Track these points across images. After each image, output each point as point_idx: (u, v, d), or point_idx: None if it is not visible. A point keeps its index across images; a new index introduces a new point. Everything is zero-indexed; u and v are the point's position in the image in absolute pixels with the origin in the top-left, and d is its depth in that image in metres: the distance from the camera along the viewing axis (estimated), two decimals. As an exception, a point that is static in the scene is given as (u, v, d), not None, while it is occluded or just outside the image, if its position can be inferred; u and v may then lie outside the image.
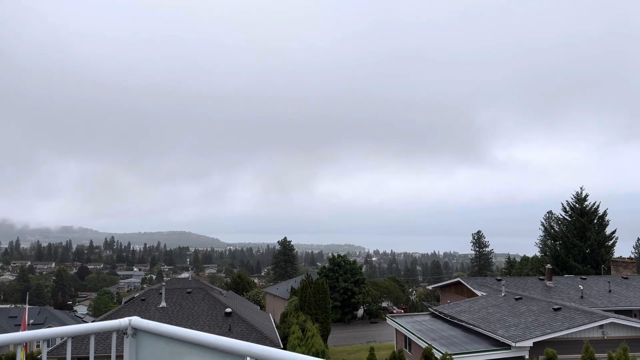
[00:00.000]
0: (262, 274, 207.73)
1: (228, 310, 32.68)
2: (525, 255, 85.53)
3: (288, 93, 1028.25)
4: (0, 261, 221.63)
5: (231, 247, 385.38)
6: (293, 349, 25.19)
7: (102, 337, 3.63)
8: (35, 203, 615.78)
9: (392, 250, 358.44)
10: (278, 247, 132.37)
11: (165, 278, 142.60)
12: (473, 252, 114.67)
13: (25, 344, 3.29)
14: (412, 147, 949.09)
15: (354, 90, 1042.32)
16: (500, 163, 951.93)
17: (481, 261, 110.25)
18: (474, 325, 27.62)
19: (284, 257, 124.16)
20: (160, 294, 34.41)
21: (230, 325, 30.64)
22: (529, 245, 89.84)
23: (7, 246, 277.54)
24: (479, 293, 36.36)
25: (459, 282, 42.58)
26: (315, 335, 26.11)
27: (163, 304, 33.26)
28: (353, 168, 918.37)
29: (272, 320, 41.50)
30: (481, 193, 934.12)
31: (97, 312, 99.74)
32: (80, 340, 21.82)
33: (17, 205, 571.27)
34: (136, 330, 3.51)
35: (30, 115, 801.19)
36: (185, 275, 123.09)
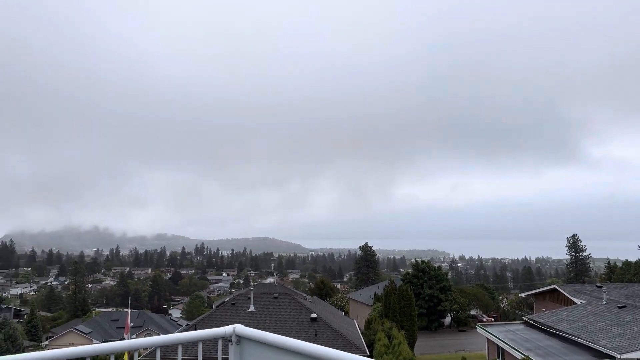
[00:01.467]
0: (344, 279, 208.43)
1: (313, 315, 33.02)
2: (627, 259, 79.12)
3: (362, 95, 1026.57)
4: (102, 267, 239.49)
5: (313, 253, 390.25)
6: (380, 357, 24.95)
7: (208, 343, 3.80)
8: (131, 213, 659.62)
9: (479, 256, 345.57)
10: (359, 252, 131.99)
11: (251, 283, 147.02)
12: (568, 257, 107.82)
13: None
14: (495, 146, 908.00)
15: (431, 89, 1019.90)
16: (595, 161, 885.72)
17: (578, 267, 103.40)
18: (573, 335, 25.89)
19: (366, 262, 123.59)
20: (249, 298, 35.48)
21: (316, 330, 30.94)
22: (631, 249, 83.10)
23: (108, 253, 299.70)
24: (577, 301, 34.11)
25: (554, 289, 40.25)
26: (402, 343, 25.69)
27: (252, 308, 34.26)
28: (432, 170, 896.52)
29: (357, 327, 41.39)
30: (575, 194, 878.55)
31: (190, 316, 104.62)
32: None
33: (116, 215, 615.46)
34: (240, 338, 3.61)
35: (120, 130, 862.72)
36: (270, 280, 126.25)
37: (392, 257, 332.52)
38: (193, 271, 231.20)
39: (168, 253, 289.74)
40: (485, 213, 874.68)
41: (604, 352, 22.56)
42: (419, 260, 72.30)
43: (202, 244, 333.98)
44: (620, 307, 28.60)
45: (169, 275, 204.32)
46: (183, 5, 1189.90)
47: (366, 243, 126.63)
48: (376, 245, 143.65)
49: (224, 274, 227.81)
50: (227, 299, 44.67)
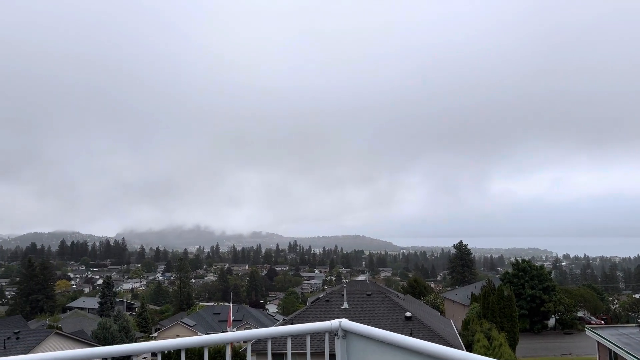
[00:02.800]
0: (438, 278, 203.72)
1: (408, 314, 32.65)
2: None
3: (455, 88, 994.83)
4: (204, 264, 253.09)
5: (404, 251, 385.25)
6: (479, 358, 24.16)
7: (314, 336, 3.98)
8: (228, 212, 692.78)
9: (585, 254, 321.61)
10: (453, 250, 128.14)
11: (343, 280, 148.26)
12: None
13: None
14: (600, 136, 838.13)
15: (527, 81, 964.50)
16: None
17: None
18: (700, 343, 23.40)
19: (461, 261, 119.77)
20: (342, 295, 35.85)
21: (411, 329, 30.58)
22: None
23: (209, 251, 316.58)
24: None
25: (675, 291, 36.54)
26: (503, 344, 24.66)
27: (345, 305, 34.58)
28: (531, 164, 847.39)
29: (454, 327, 40.33)
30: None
31: (285, 311, 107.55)
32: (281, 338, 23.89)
33: (214, 214, 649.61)
34: (346, 332, 3.72)
35: (215, 132, 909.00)
36: (361, 277, 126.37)
37: (488, 255, 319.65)
38: (287, 268, 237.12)
39: (263, 250, 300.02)
40: (592, 208, 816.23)
41: None
42: (519, 259, 68.84)
43: (295, 241, 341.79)
44: None
45: (264, 272, 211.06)
46: (271, 11, 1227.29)
47: (460, 241, 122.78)
48: (471, 244, 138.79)
49: (316, 271, 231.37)
50: (321, 295, 45.47)
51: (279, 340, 3.73)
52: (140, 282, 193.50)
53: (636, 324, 31.66)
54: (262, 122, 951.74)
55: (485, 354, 24.12)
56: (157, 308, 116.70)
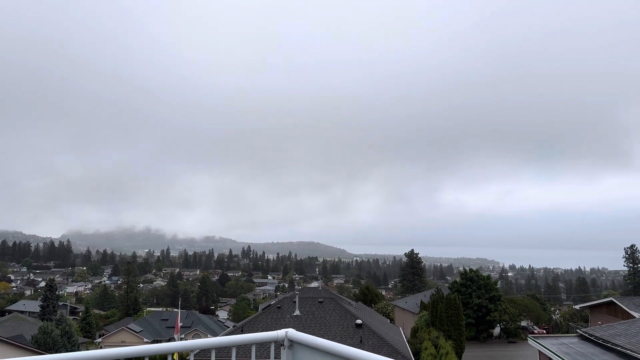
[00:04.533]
0: (389, 286, 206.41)
1: (359, 321, 32.85)
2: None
3: (408, 99, 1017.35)
4: (153, 268, 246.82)
5: (357, 258, 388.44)
6: (426, 365, 24.55)
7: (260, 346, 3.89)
8: (181, 215, 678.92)
9: (530, 265, 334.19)
10: (405, 259, 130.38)
11: (296, 287, 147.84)
12: (626, 268, 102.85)
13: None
14: (546, 152, 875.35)
15: (479, 93, 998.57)
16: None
17: (636, 278, 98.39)
18: (631, 350, 24.59)
19: (412, 269, 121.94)
20: (294, 302, 35.71)
21: (361, 337, 30.77)
22: (696, 262, 78.26)
23: (159, 254, 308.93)
24: (636, 315, 32.44)
25: (611, 301, 38.40)
26: (449, 352, 25.18)
27: (297, 312, 34.46)
28: (480, 177, 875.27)
29: (403, 335, 40.89)
30: (634, 202, 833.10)
31: (236, 317, 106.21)
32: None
33: (166, 216, 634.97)
34: (292, 343, 3.66)
35: (165, 134, 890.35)
36: (315, 284, 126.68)
37: (438, 264, 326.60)
38: (239, 273, 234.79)
39: (216, 255, 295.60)
40: (537, 221, 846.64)
41: (667, 370, 21.34)
42: (467, 268, 70.64)
43: (249, 247, 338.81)
44: (685, 324, 26.99)
45: (216, 277, 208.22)
46: (227, 13, 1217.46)
47: (412, 250, 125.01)
48: (422, 252, 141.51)
49: (269, 277, 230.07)
50: (273, 302, 45.13)
51: (226, 349, 3.61)
52: (85, 285, 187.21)
53: (576, 334, 33.02)
54: (216, 125, 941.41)
55: (433, 362, 24.58)
56: (103, 313, 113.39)
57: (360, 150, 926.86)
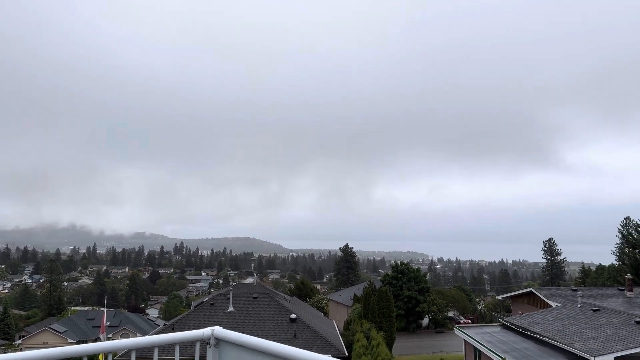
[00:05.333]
0: (324, 280, 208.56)
1: (293, 316, 32.94)
2: (600, 264, 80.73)
3: (341, 97, 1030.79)
4: (79, 266, 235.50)
5: (293, 253, 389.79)
6: (358, 357, 25.00)
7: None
8: (108, 210, 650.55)
9: (457, 258, 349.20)
10: (340, 253, 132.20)
11: (231, 283, 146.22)
12: (544, 261, 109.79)
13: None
14: (474, 149, 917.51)
15: (410, 92, 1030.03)
16: (573, 166, 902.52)
17: (553, 270, 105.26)
18: (548, 338, 26.30)
19: (346, 263, 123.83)
20: (228, 298, 35.25)
21: (295, 331, 30.87)
22: (604, 254, 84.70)
23: (84, 252, 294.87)
24: (552, 304, 34.66)
25: (531, 292, 40.84)
26: (380, 344, 25.78)
27: (231, 308, 34.03)
28: (412, 173, 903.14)
29: (336, 328, 41.43)
30: (552, 198, 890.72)
31: (167, 316, 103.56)
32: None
33: (93, 212, 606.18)
34: (218, 341, 3.54)
35: (91, 124, 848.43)
36: (250, 280, 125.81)
37: (372, 258, 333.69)
38: (172, 270, 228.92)
39: (146, 252, 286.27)
40: (464, 215, 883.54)
41: (579, 354, 22.94)
42: (399, 261, 72.63)
43: (182, 243, 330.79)
44: (594, 311, 29.15)
45: (147, 275, 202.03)
46: (156, 5, 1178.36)
47: (346, 244, 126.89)
48: (356, 247, 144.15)
49: (203, 274, 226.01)
50: (206, 299, 44.32)
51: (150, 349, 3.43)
52: (4, 284, 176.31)
53: (498, 323, 34.84)
54: (144, 116, 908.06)
55: (364, 354, 25.05)
56: (23, 313, 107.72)
57: (296, 145, 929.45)
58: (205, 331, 3.53)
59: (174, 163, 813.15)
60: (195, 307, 39.13)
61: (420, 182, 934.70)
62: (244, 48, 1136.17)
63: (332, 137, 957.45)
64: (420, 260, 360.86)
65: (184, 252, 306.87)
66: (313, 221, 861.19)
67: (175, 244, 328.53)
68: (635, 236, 61.63)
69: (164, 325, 51.41)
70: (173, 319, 45.81)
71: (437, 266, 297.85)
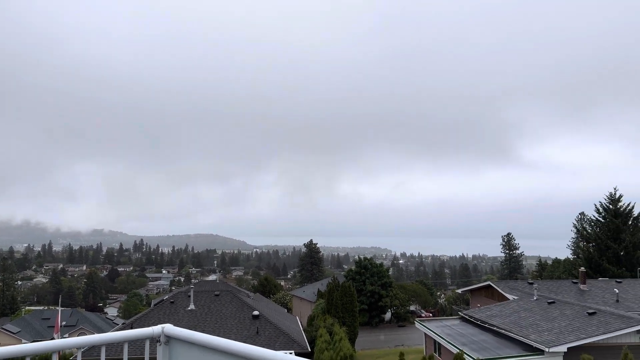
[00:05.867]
0: (289, 276, 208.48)
1: (255, 313, 32.75)
2: (556, 257, 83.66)
3: (307, 93, 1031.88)
4: (33, 264, 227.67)
5: (257, 250, 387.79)
6: (321, 353, 25.08)
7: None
8: (64, 207, 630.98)
9: (419, 253, 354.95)
10: (304, 249, 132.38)
11: (193, 280, 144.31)
12: (503, 255, 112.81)
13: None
14: (437, 147, 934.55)
15: (375, 88, 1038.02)
16: (531, 163, 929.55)
17: (511, 264, 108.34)
18: (505, 330, 27.02)
19: (310, 259, 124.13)
20: (189, 296, 34.73)
21: (258, 328, 30.70)
22: (560, 248, 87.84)
23: (40, 249, 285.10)
24: (510, 297, 35.62)
25: (489, 285, 41.84)
26: (343, 339, 25.92)
27: (192, 306, 33.55)
28: (377, 169, 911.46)
29: (300, 324, 41.46)
30: (511, 194, 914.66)
31: (127, 314, 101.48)
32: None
33: (47, 208, 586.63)
34: (169, 338, 3.44)
35: (46, 117, 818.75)
36: (212, 277, 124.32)
37: (336, 254, 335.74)
38: (131, 268, 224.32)
39: (105, 249, 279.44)
40: (427, 211, 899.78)
41: (534, 346, 23.66)
42: (362, 257, 73.30)
43: (141, 240, 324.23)
44: (549, 303, 30.14)
45: (105, 273, 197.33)
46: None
47: (311, 240, 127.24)
48: (321, 242, 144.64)
49: (164, 272, 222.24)
50: (166, 297, 43.58)
51: (108, 348, 3.28)
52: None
53: (457, 317, 35.58)
54: (103, 110, 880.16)
55: (326, 349, 25.14)
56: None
57: (260, 140, 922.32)
58: (156, 329, 3.43)
59: (134, 158, 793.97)
60: (155, 305, 38.41)
61: (384, 179, 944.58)
62: (207, 40, 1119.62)
63: (297, 132, 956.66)
64: (384, 256, 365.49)
65: (145, 249, 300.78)
66: (278, 217, 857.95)
67: (135, 242, 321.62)
68: (589, 231, 64.09)
69: (123, 324, 50.29)
70: (132, 317, 44.83)
71: (400, 261, 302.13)
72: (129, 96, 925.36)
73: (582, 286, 37.53)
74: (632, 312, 29.14)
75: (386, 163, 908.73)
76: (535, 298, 32.09)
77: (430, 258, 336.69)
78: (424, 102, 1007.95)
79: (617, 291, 35.27)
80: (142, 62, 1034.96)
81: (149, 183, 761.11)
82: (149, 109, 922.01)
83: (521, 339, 25.00)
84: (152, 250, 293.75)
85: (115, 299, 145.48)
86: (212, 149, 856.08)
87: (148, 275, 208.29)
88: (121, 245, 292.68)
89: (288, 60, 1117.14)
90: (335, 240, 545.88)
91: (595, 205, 58.73)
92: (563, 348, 22.69)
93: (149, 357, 3.44)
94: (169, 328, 3.43)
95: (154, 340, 3.44)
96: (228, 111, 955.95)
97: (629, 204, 56.54)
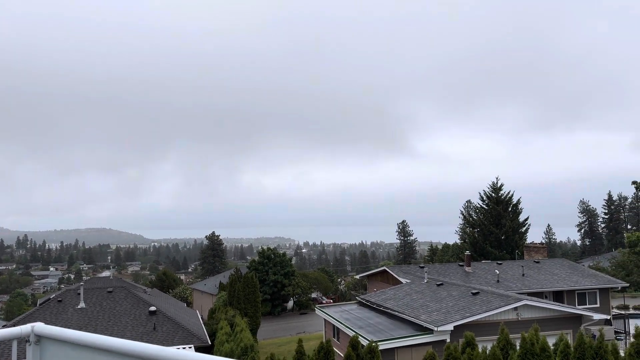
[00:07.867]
0: (190, 270, 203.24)
1: (152, 308, 31.64)
2: (446, 242, 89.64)
3: (202, 81, 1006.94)
4: None
5: (156, 244, 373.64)
6: (221, 345, 24.86)
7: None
8: None
9: (321, 242, 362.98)
10: (206, 242, 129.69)
11: (84, 277, 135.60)
12: (398, 241, 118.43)
13: None
14: (335, 138, 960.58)
15: (273, 82, 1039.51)
16: (423, 153, 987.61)
17: (406, 249, 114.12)
18: (399, 312, 28.55)
19: (212, 252, 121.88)
20: (79, 294, 32.72)
21: (155, 324, 29.68)
22: (450, 233, 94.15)
23: None
24: (403, 280, 37.60)
25: (384, 270, 43.77)
26: (244, 329, 25.90)
27: (82, 304, 31.63)
28: (278, 160, 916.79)
29: (200, 317, 40.71)
30: (405, 184, 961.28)
31: (9, 316, 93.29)
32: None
33: None
34: (40, 338, 3.26)
35: None
36: (106, 274, 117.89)
37: (239, 245, 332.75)
38: (14, 266, 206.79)
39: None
40: (328, 201, 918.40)
41: (424, 325, 25.30)
42: (265, 247, 73.38)
43: (25, 236, 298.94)
44: (438, 285, 32.30)
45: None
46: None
47: (213, 232, 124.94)
48: (224, 234, 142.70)
49: (51, 269, 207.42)
50: (54, 295, 40.66)
51: None
52: None
53: (355, 301, 36.96)
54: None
55: (227, 341, 24.99)
56: None
57: (154, 129, 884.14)
58: (24, 328, 3.24)
59: (11, 147, 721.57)
60: (40, 304, 35.71)
61: (286, 169, 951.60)
62: (97, 19, 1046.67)
63: (196, 122, 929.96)
64: (287, 245, 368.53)
65: (29, 245, 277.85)
66: (177, 209, 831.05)
67: (18, 237, 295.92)
68: (474, 217, 69.40)
69: (4, 326, 46.09)
70: (15, 318, 41.26)
71: (303, 250, 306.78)
72: (5, 80, 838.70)
73: (467, 268, 40.61)
74: (511, 291, 32.12)
75: (287, 153, 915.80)
76: (425, 281, 34.21)
77: (332, 246, 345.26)
78: (322, 95, 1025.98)
79: (497, 272, 38.65)
80: (22, 44, 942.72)
81: (30, 174, 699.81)
82: (29, 94, 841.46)
83: (413, 319, 26.60)
84: (37, 246, 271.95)
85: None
86: (100, 137, 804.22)
87: (34, 273, 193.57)
88: (2, 241, 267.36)
89: (179, 46, 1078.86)
90: (238, 231, 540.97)
91: (480, 193, 63.79)
92: (450, 327, 24.49)
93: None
94: (40, 327, 3.26)
95: (23, 340, 3.25)
96: (119, 100, 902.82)
97: (509, 192, 62.07)
